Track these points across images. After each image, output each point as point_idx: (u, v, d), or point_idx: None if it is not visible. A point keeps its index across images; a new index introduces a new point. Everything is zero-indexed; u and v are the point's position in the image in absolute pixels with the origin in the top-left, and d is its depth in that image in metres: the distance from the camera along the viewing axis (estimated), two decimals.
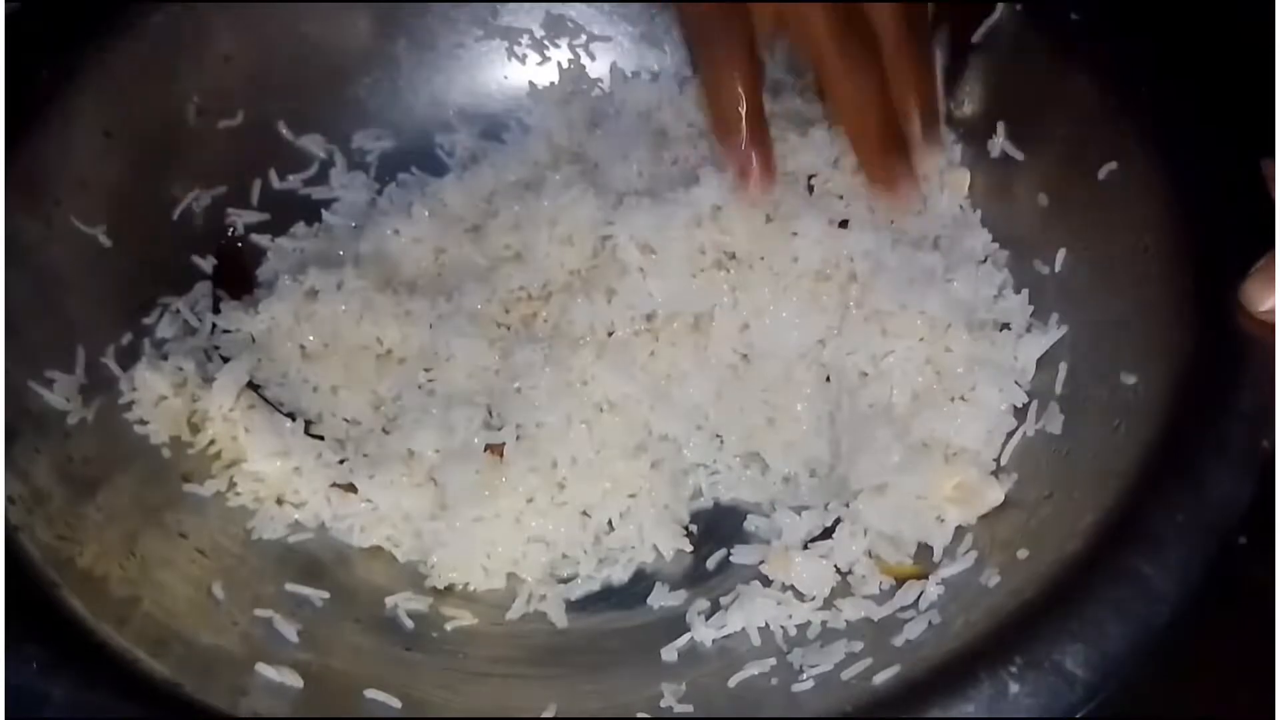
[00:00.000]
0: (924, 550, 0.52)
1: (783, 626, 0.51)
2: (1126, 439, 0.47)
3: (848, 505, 0.53)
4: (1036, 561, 0.45)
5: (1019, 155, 0.59)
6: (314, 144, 0.64)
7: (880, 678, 0.41)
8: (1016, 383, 0.54)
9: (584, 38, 0.68)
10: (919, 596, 0.50)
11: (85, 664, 0.39)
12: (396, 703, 0.45)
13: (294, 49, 0.63)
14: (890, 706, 0.39)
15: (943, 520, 0.52)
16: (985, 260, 0.59)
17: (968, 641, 0.41)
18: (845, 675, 0.45)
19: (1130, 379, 0.49)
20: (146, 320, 0.57)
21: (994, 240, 0.60)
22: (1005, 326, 0.56)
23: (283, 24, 0.63)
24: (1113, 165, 0.54)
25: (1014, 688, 0.38)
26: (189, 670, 0.41)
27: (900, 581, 0.51)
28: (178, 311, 0.58)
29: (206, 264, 0.61)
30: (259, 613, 0.48)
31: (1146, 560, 0.41)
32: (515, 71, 0.68)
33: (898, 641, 0.47)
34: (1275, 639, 0.46)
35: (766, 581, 0.53)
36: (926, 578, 0.51)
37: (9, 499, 0.45)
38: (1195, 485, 0.42)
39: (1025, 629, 0.40)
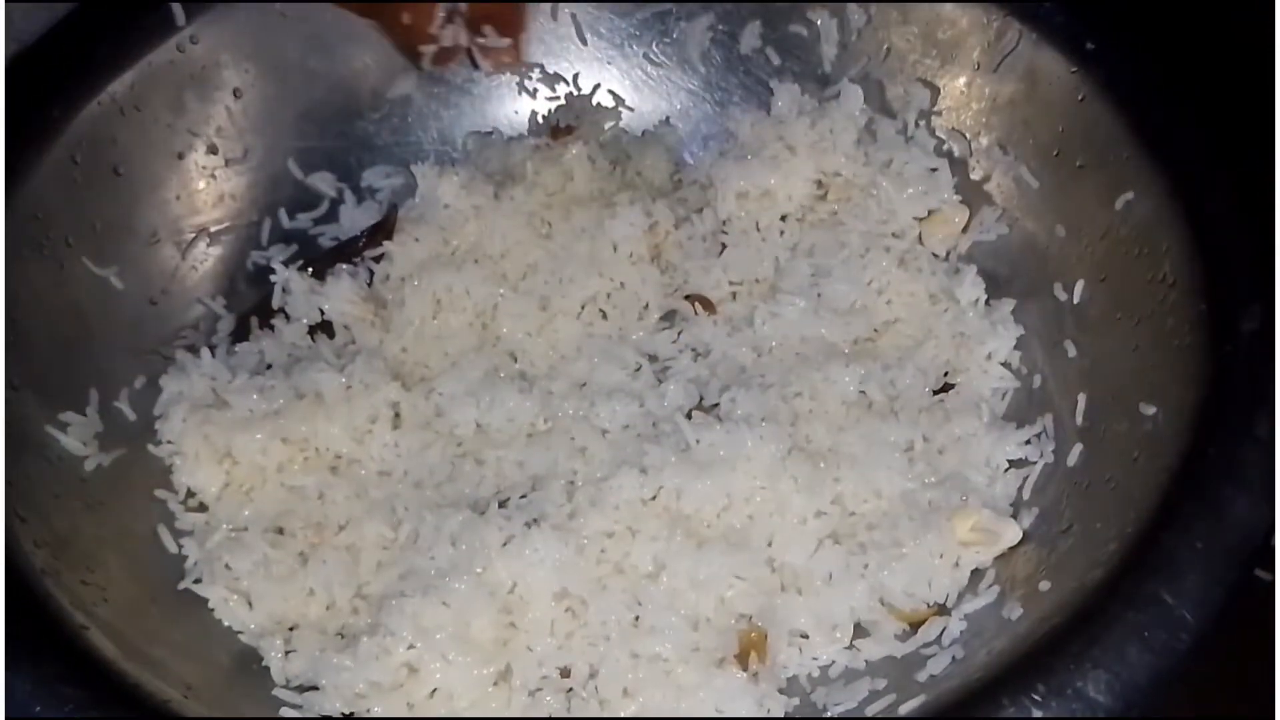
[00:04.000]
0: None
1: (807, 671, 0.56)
2: (1146, 468, 0.52)
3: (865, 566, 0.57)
4: (1058, 592, 0.49)
5: (1035, 183, 0.65)
6: (323, 182, 0.70)
7: (905, 708, 0.45)
8: None
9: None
10: (941, 633, 0.54)
11: (121, 704, 0.43)
12: None
13: (303, 85, 0.68)
14: None
15: (958, 566, 0.57)
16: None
17: (991, 669, 0.45)
18: (870, 710, 0.49)
19: (1150, 409, 0.54)
20: (163, 358, 0.62)
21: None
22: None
23: (291, 60, 0.68)
24: (1129, 195, 0.60)
25: (1037, 714, 0.42)
26: (221, 703, 0.45)
27: (916, 626, 0.56)
28: (194, 351, 0.63)
29: (217, 305, 0.66)
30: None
31: (1167, 587, 0.45)
32: (525, 106, 0.73)
33: (921, 677, 0.51)
34: (1275, 638, 0.50)
35: None
36: (949, 613, 0.55)
37: (35, 543, 0.49)
38: (1214, 512, 0.47)
39: (1048, 657, 0.44)
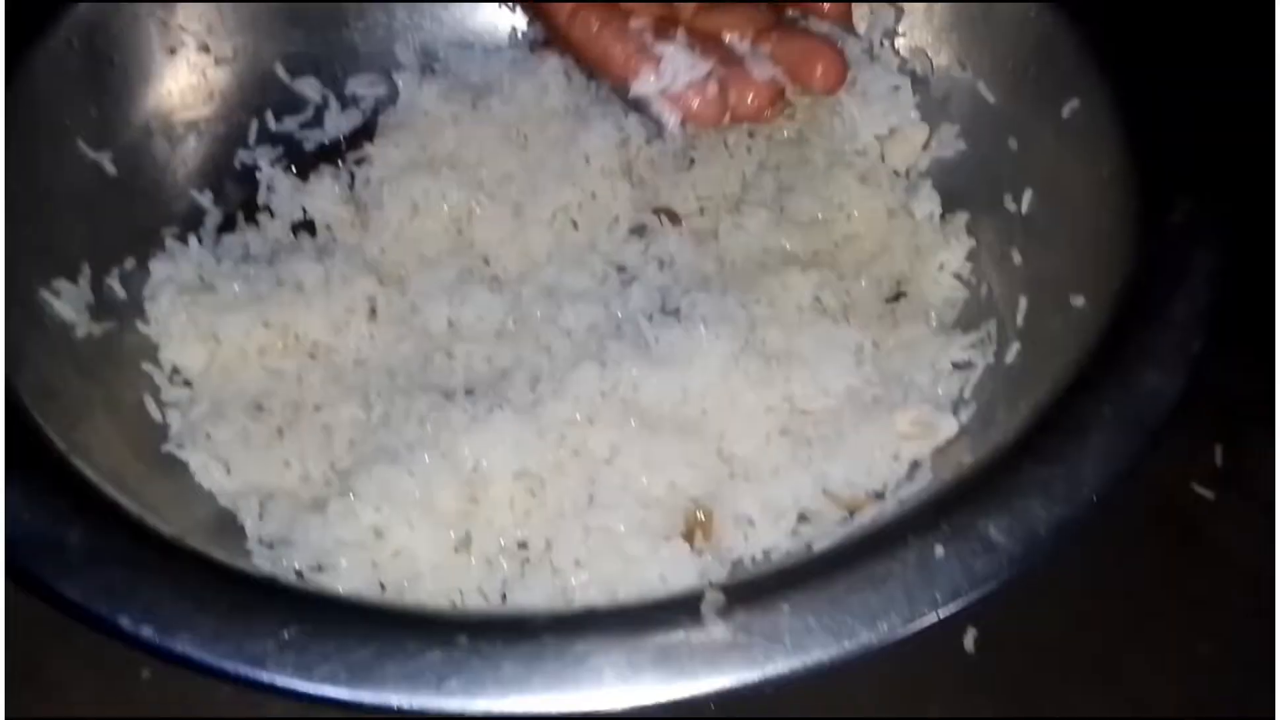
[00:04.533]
0: None
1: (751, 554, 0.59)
2: (1071, 353, 0.55)
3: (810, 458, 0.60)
4: (976, 458, 0.52)
5: (990, 98, 0.68)
6: (309, 87, 0.73)
7: (818, 545, 0.49)
8: None
9: None
10: (875, 516, 0.58)
11: (99, 517, 0.47)
12: None
13: None
14: (824, 563, 0.47)
15: (898, 458, 0.60)
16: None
17: (902, 515, 0.49)
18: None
19: (1079, 300, 0.57)
20: (152, 245, 0.66)
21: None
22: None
23: None
24: (1075, 103, 0.63)
25: (940, 550, 0.46)
26: (195, 536, 0.49)
27: (854, 512, 0.59)
28: (182, 240, 0.67)
29: (205, 199, 0.70)
30: None
31: (1072, 445, 0.49)
32: (505, 20, 0.76)
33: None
34: (1275, 636, 0.54)
35: None
36: (884, 499, 0.59)
37: (29, 388, 0.53)
38: (1123, 383, 0.50)
39: (954, 502, 0.48)
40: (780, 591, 0.45)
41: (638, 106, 0.63)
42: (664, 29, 0.59)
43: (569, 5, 0.57)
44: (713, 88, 0.56)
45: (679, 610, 0.46)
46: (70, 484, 0.49)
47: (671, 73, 0.56)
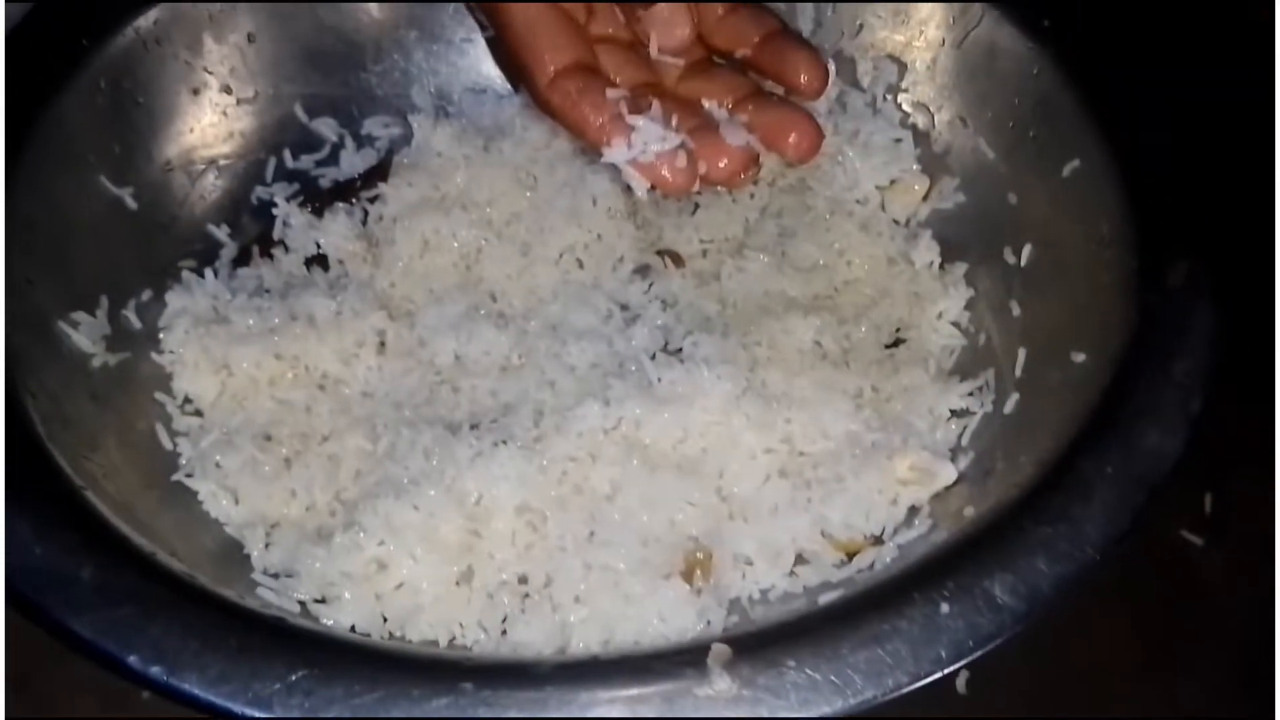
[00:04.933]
0: None
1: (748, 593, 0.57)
2: (1071, 409, 0.54)
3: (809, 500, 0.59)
4: (978, 513, 0.51)
5: (991, 154, 0.67)
6: (326, 127, 0.72)
7: (824, 598, 0.47)
8: None
9: None
10: (874, 561, 0.56)
11: (110, 553, 0.46)
12: None
13: (312, 35, 0.72)
14: (828, 620, 0.46)
15: (896, 503, 0.59)
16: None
17: (907, 569, 0.47)
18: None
19: (1079, 356, 0.56)
20: (169, 277, 0.65)
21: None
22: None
23: (303, 10, 0.71)
24: (1075, 163, 0.62)
25: (945, 608, 0.44)
26: (203, 567, 0.48)
27: (853, 556, 0.58)
28: (198, 273, 0.66)
29: (222, 233, 0.69)
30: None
31: (1075, 505, 0.47)
32: None
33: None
34: (1275, 637, 0.52)
35: None
36: (884, 544, 0.57)
37: (41, 417, 0.52)
38: (1125, 441, 0.49)
39: (958, 560, 0.46)
40: (786, 646, 0.44)
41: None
42: (642, 95, 0.59)
43: (550, 70, 0.56)
44: (681, 158, 0.56)
45: (684, 661, 0.45)
46: (82, 517, 0.48)
47: (642, 143, 0.56)
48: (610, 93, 0.55)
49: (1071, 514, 0.47)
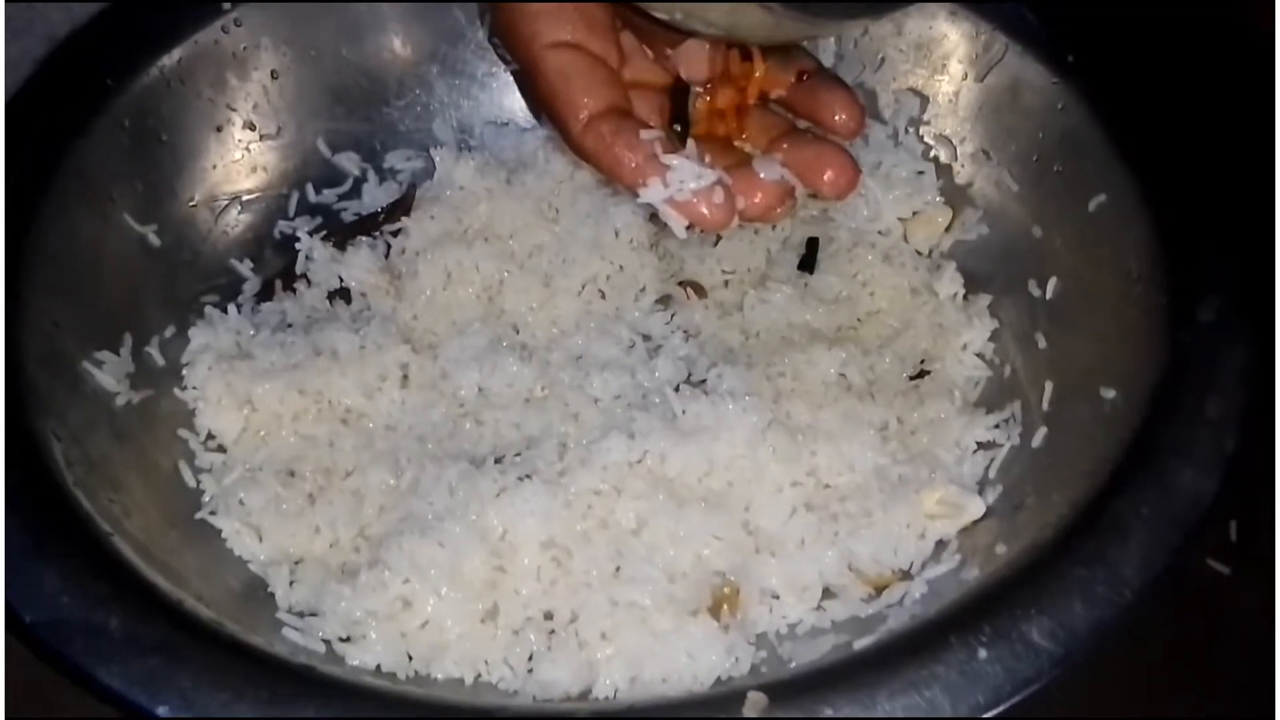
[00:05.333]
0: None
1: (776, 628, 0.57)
2: (1102, 445, 0.53)
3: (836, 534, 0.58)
4: (1012, 553, 0.50)
5: (1015, 187, 0.66)
6: (349, 161, 0.72)
7: (860, 643, 0.46)
8: None
9: None
10: (904, 596, 0.55)
11: (138, 601, 0.45)
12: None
13: (334, 70, 0.71)
14: (866, 667, 0.45)
15: (924, 537, 0.58)
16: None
17: (942, 615, 0.46)
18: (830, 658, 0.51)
19: (1110, 393, 0.55)
20: (192, 312, 0.65)
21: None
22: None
23: (326, 47, 0.71)
24: (1102, 198, 0.61)
25: (982, 654, 0.43)
26: (228, 608, 0.47)
27: (881, 590, 0.57)
28: (222, 308, 0.65)
29: (245, 268, 0.68)
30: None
31: (1112, 547, 0.46)
32: None
33: (880, 631, 0.52)
34: (1275, 640, 0.51)
35: None
36: (912, 578, 0.56)
37: (67, 460, 0.51)
38: (1160, 482, 0.48)
39: (995, 604, 0.46)
40: (822, 693, 0.43)
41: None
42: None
43: (583, 116, 0.54)
44: (719, 194, 0.54)
45: (718, 707, 0.43)
46: (108, 566, 0.47)
47: (679, 182, 0.54)
48: (644, 134, 0.54)
49: (1108, 556, 0.46)
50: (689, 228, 0.54)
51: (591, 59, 0.55)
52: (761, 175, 0.56)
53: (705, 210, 0.54)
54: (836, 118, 0.58)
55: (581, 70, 0.54)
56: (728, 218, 0.54)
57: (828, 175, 0.56)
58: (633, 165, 0.54)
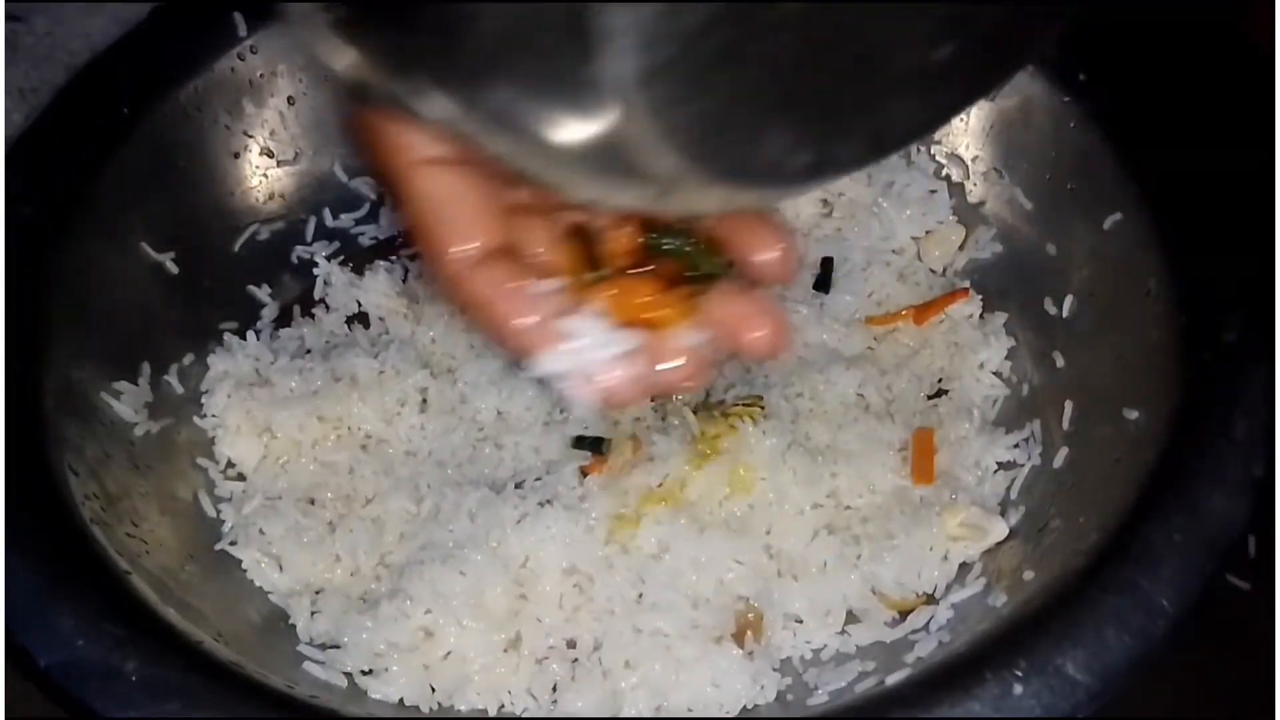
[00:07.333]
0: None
1: (800, 653, 0.54)
2: (1127, 467, 0.50)
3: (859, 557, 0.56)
4: (1041, 580, 0.48)
5: (1028, 205, 0.64)
6: (365, 185, 0.70)
7: (892, 679, 0.44)
8: None
9: None
10: (929, 620, 0.53)
11: (158, 642, 0.42)
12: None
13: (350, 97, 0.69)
14: (901, 704, 0.42)
15: (947, 559, 0.56)
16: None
17: (975, 649, 0.44)
18: (858, 689, 0.48)
19: (1133, 414, 0.53)
20: (211, 339, 0.63)
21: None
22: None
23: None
24: (1117, 216, 0.59)
25: (1018, 689, 0.41)
26: (249, 643, 0.44)
27: (905, 614, 0.55)
28: (240, 335, 0.63)
29: (263, 293, 0.66)
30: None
31: (1145, 575, 0.44)
32: None
33: (908, 659, 0.50)
34: (1276, 641, 0.49)
35: None
36: (937, 602, 0.54)
37: (85, 496, 0.49)
38: (1191, 507, 0.46)
39: (1029, 637, 0.43)
40: None
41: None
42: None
43: (460, 254, 0.40)
44: (636, 364, 0.41)
45: None
46: (126, 605, 0.45)
47: (583, 350, 0.41)
48: (538, 285, 0.40)
49: (1142, 584, 0.44)
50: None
51: (472, 182, 0.40)
52: (678, 340, 0.43)
53: (614, 383, 0.41)
54: (761, 258, 0.44)
55: (459, 196, 0.40)
56: (643, 393, 0.42)
57: (755, 337, 0.43)
58: (521, 329, 0.40)
